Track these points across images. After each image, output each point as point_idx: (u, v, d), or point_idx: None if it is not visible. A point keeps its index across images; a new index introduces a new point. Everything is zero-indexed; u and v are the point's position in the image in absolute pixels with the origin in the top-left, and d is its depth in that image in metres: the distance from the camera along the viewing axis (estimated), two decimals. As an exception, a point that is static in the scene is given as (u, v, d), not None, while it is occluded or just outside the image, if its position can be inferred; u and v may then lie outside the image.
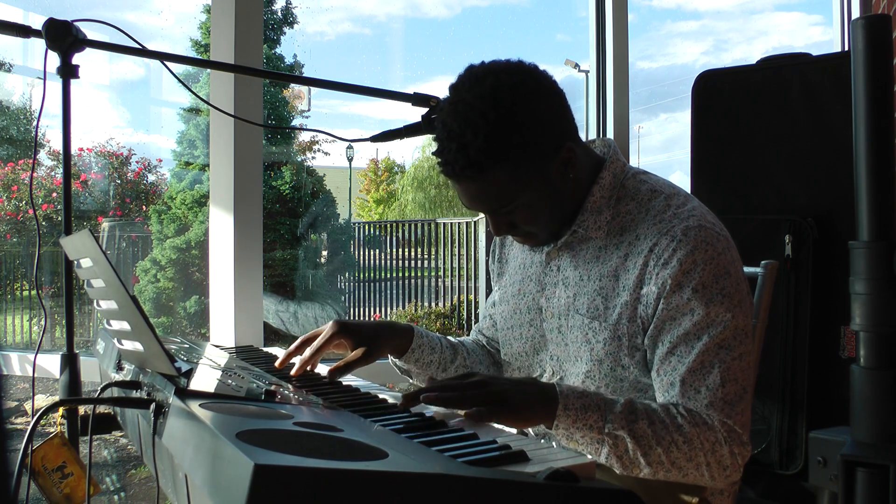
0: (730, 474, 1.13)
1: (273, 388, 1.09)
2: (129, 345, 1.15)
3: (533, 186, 1.19)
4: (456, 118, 1.14)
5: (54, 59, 1.41)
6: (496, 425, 1.08)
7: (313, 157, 9.26)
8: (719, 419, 1.12)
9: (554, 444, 1.13)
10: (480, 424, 1.04)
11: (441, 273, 8.24)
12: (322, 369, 1.41)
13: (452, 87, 1.19)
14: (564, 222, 1.28)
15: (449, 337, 1.50)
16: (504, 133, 1.13)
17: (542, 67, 1.22)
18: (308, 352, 1.34)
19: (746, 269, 1.35)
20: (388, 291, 8.68)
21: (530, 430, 1.33)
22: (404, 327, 1.42)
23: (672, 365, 1.15)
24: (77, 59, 1.41)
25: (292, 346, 1.38)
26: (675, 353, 1.15)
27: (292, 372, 1.33)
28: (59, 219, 1.43)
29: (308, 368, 1.34)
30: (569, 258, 1.30)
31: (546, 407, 1.09)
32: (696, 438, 1.10)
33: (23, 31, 1.40)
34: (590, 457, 1.09)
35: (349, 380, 1.35)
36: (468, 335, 1.61)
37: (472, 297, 7.73)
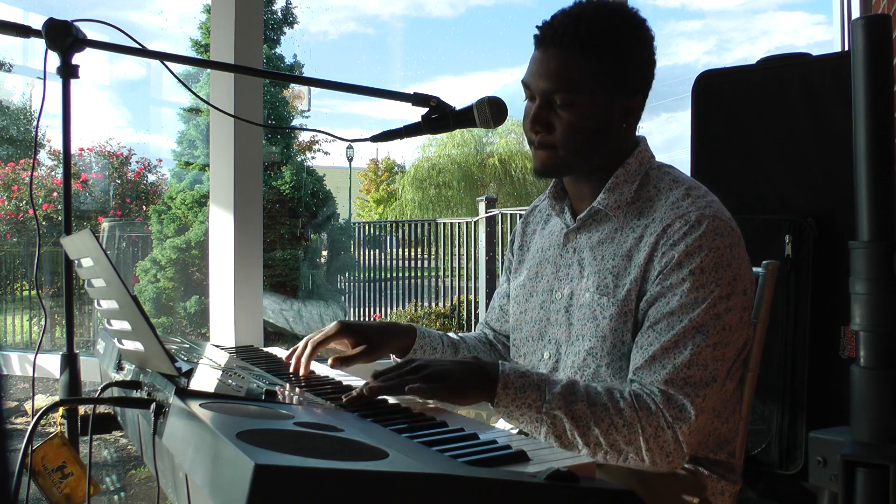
0: (672, 460, 1.14)
1: (273, 388, 1.09)
2: (129, 345, 1.15)
3: (594, 99, 1.23)
4: (590, 2, 1.24)
5: (54, 59, 1.41)
6: (496, 424, 1.08)
7: (313, 157, 9.27)
8: (667, 396, 1.13)
9: (555, 444, 1.13)
10: (484, 426, 1.05)
11: (441, 273, 8.23)
12: (322, 369, 1.42)
13: None
14: (585, 162, 1.29)
15: (450, 334, 1.52)
16: (614, 41, 1.22)
17: None
18: (310, 346, 1.35)
19: (746, 269, 1.35)
20: (388, 291, 8.68)
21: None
22: (406, 328, 1.44)
23: (649, 339, 1.18)
24: (77, 58, 1.41)
25: (297, 346, 1.38)
26: (655, 329, 1.18)
27: (293, 368, 1.35)
28: (59, 219, 1.43)
29: (304, 362, 1.35)
30: (585, 239, 1.32)
31: (486, 385, 1.13)
32: (636, 423, 1.12)
33: (23, 31, 1.40)
34: (539, 437, 1.14)
35: (350, 380, 1.35)
36: (471, 332, 1.62)
37: (472, 297, 7.72)
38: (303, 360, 1.34)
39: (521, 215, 1.56)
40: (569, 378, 1.17)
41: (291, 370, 1.36)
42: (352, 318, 8.49)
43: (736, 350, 1.23)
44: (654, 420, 1.12)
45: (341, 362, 1.33)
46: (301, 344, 1.38)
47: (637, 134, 1.37)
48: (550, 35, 1.23)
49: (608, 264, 1.26)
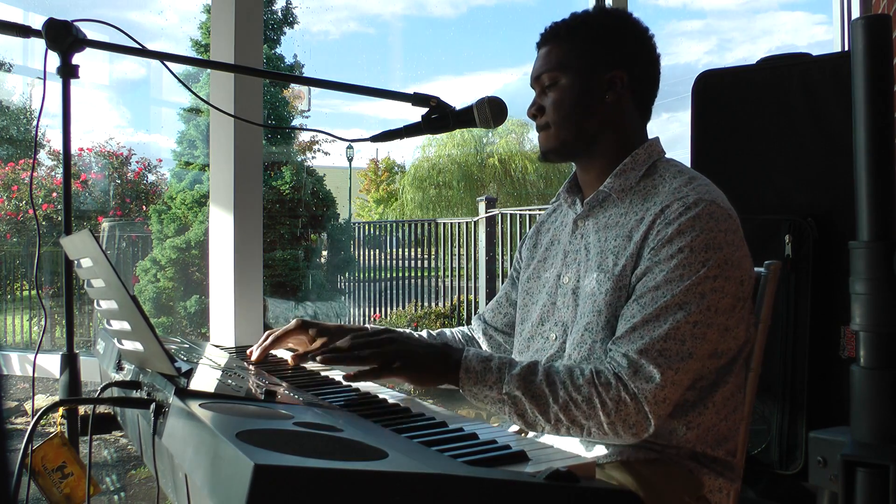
0: (636, 431, 1.16)
1: (273, 388, 1.09)
2: (129, 345, 1.15)
3: (574, 77, 1.36)
4: (585, 12, 1.41)
5: (54, 59, 1.41)
6: (495, 424, 1.08)
7: (313, 157, 9.27)
8: (637, 366, 1.15)
9: (554, 444, 1.13)
10: (484, 426, 1.05)
11: (441, 273, 8.24)
12: (310, 364, 1.43)
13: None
14: (576, 137, 1.37)
15: (426, 330, 1.56)
16: (587, 26, 1.37)
17: None
18: (270, 339, 1.43)
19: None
20: (388, 291, 8.68)
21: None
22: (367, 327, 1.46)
23: (632, 311, 1.21)
24: (77, 58, 1.41)
25: (261, 340, 1.46)
26: (640, 302, 1.21)
27: (252, 357, 1.43)
28: (59, 219, 1.43)
29: (259, 350, 1.43)
30: (592, 225, 1.37)
31: (449, 370, 1.19)
32: (594, 398, 1.14)
33: (23, 31, 1.40)
34: (513, 427, 1.17)
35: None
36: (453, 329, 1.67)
37: (472, 297, 7.72)
38: (259, 348, 1.43)
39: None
40: (530, 361, 1.21)
41: (250, 357, 1.44)
42: (352, 319, 8.51)
43: (736, 345, 1.25)
44: (615, 394, 1.14)
45: (299, 359, 1.34)
46: (263, 336, 1.45)
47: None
48: (540, 37, 1.41)
49: (610, 245, 1.30)
